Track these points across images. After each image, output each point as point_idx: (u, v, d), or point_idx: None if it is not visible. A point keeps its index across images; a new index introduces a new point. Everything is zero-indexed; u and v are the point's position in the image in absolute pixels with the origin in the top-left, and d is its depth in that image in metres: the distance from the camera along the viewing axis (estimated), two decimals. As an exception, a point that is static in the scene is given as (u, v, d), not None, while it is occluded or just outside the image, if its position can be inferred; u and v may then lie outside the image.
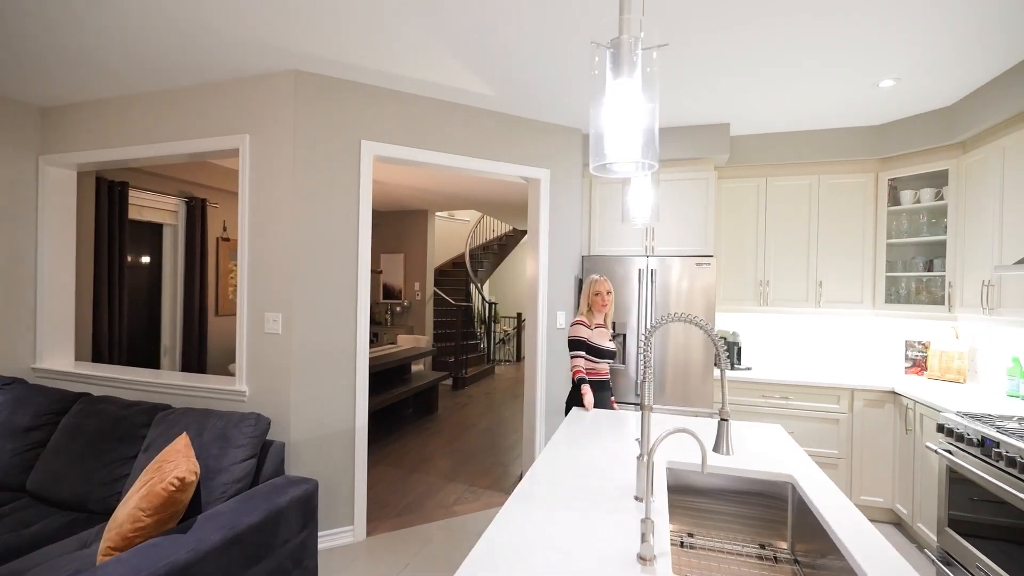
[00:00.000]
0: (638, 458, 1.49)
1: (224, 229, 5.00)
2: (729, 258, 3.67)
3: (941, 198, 3.17)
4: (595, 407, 2.53)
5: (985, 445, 2.14)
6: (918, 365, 3.48)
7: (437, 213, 7.72)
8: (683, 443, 1.90)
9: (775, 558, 1.59)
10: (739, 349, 3.72)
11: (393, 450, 4.42)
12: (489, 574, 1.05)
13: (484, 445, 4.61)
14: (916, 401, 2.87)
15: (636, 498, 1.43)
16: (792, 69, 2.58)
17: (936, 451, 2.44)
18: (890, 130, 3.31)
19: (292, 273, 2.69)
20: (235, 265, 5.15)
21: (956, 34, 2.24)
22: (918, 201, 3.28)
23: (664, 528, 1.25)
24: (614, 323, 3.27)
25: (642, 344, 1.32)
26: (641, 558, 1.12)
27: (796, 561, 1.56)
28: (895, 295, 3.39)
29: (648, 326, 3.36)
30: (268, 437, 2.52)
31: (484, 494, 3.51)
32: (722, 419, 1.34)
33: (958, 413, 2.42)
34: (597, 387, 2.68)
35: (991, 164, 2.73)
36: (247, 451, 2.14)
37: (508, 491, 3.55)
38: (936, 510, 2.49)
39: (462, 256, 8.78)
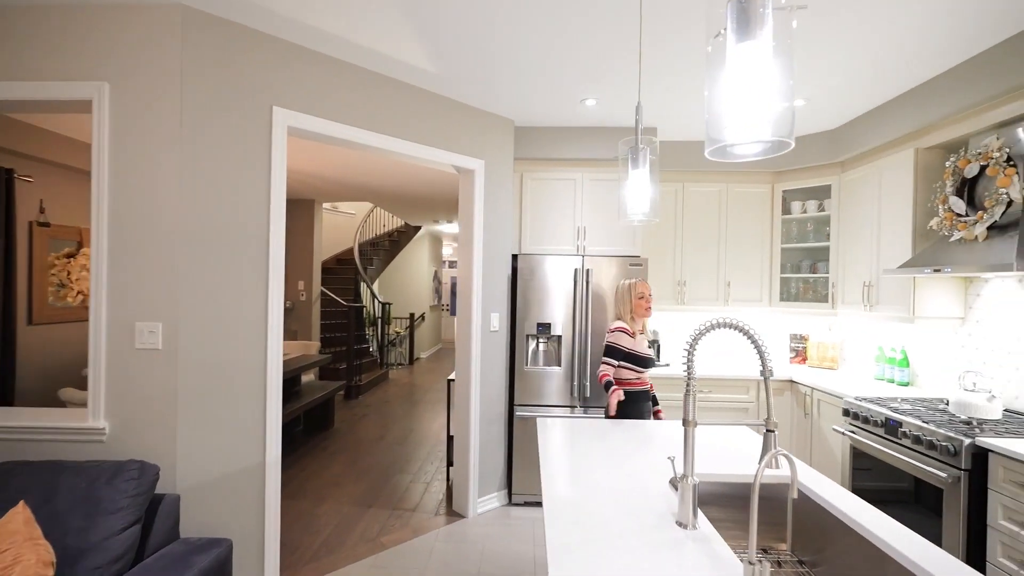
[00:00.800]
0: (673, 481, 1.35)
1: (42, 211, 3.82)
2: (653, 259, 3.79)
3: (823, 209, 3.64)
4: (636, 418, 2.39)
5: (889, 425, 2.45)
6: (800, 355, 3.97)
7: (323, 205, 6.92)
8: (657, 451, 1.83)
9: (779, 562, 1.58)
10: (658, 347, 3.88)
11: (291, 477, 3.78)
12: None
13: (396, 461, 4.19)
14: (813, 388, 3.23)
15: (679, 523, 1.28)
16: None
17: (843, 432, 2.75)
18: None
19: (179, 272, 2.07)
20: (59, 259, 3.97)
21: (850, 68, 2.53)
22: (805, 211, 3.73)
23: (729, 554, 1.13)
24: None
25: (685, 354, 1.18)
26: (733, 603, 0.98)
27: (800, 562, 1.57)
28: (787, 294, 3.82)
29: (584, 327, 3.32)
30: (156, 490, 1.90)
31: (412, 518, 3.14)
32: (768, 430, 1.26)
33: (857, 398, 2.76)
34: (640, 398, 2.51)
35: (869, 181, 3.18)
36: (129, 516, 1.57)
37: (438, 511, 3.23)
38: (840, 483, 2.81)
39: (350, 251, 8.02)
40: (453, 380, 3.39)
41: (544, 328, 3.32)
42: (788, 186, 3.73)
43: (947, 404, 2.58)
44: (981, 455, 2.04)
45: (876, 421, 2.55)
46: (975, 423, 2.24)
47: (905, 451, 2.34)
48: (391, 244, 9.04)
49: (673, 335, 4.06)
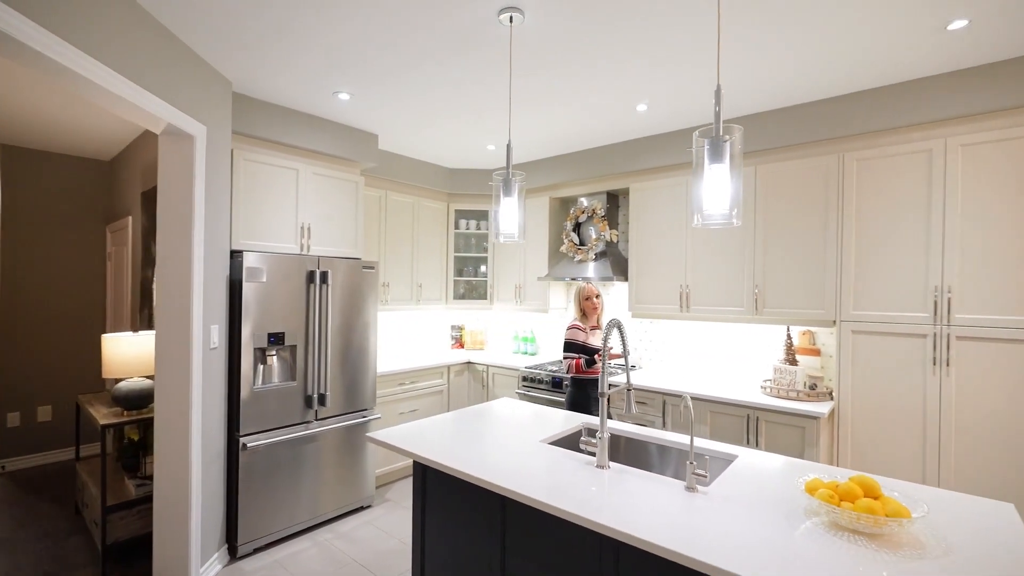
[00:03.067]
0: (583, 442, 1.82)
1: None
2: (391, 263, 3.97)
3: (480, 228, 4.75)
4: (584, 404, 2.81)
5: (555, 380, 3.68)
6: (458, 342, 5.00)
7: None
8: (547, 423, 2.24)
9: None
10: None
11: None
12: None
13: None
14: (488, 365, 4.26)
15: (599, 466, 1.75)
16: (428, 111, 3.27)
17: (524, 393, 3.85)
18: (456, 174, 4.59)
19: None
20: None
21: (518, 140, 3.66)
22: (469, 228, 4.74)
23: (637, 480, 1.72)
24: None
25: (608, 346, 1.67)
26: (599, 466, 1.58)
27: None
28: (458, 293, 4.73)
29: (323, 333, 3.08)
30: None
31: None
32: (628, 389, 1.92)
33: (527, 367, 3.93)
34: (588, 386, 2.89)
35: (517, 213, 4.47)
36: None
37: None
38: (518, 431, 3.90)
39: None
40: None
41: (277, 338, 2.88)
42: (459, 206, 4.65)
43: (571, 363, 4.08)
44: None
45: (544, 380, 3.75)
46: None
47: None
48: None
49: (391, 333, 4.26)
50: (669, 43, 2.22)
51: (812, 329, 3.11)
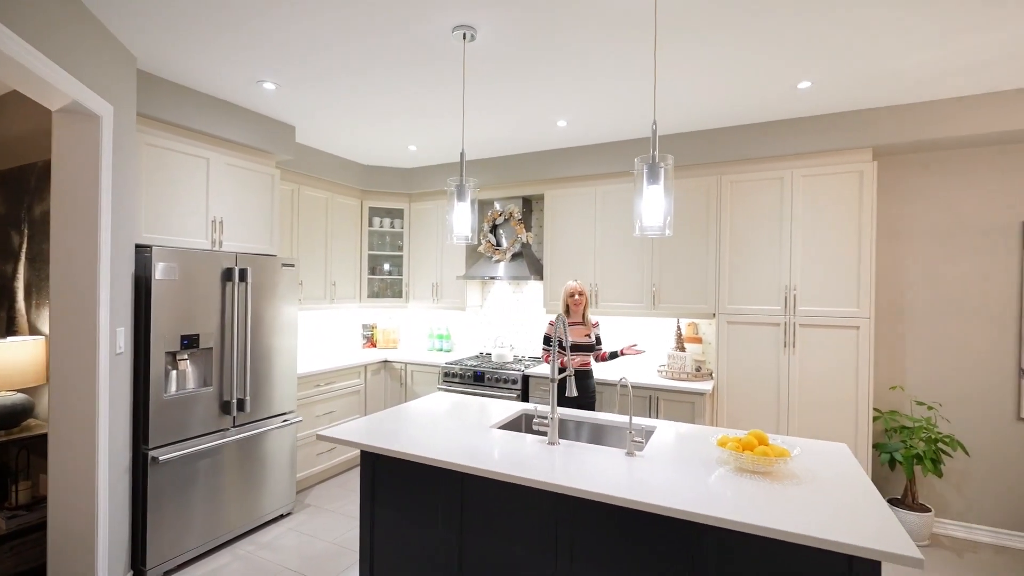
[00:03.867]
0: (534, 421, 2.03)
1: None
2: (305, 261, 3.84)
3: (395, 227, 4.75)
4: (579, 391, 3.00)
5: (476, 375, 3.87)
6: (370, 341, 4.93)
7: None
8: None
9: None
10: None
11: None
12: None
13: None
14: (406, 363, 4.30)
15: (550, 443, 1.98)
16: (365, 113, 3.31)
17: (446, 389, 3.97)
18: (372, 172, 4.54)
19: None
20: None
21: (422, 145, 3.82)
22: (382, 226, 4.71)
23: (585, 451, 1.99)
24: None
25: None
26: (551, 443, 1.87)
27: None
28: (372, 291, 4.67)
29: (242, 335, 2.90)
30: None
31: None
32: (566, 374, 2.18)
33: (447, 363, 4.05)
34: (576, 376, 3.02)
35: (435, 212, 4.56)
36: None
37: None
38: (439, 425, 4.02)
39: None
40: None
41: (190, 341, 2.66)
42: (373, 204, 4.60)
43: (490, 357, 4.30)
44: (525, 378, 3.74)
45: (466, 375, 3.92)
46: (517, 361, 3.98)
47: (489, 388, 3.81)
48: None
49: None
50: (592, 73, 2.54)
51: (696, 321, 3.70)
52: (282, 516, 3.20)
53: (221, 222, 3.01)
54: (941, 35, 2.15)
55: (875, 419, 3.10)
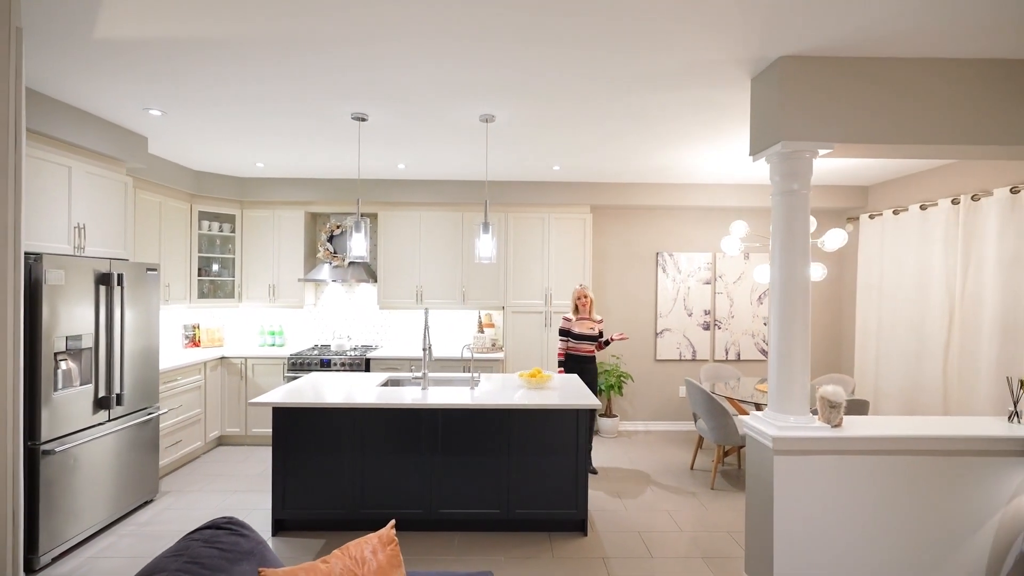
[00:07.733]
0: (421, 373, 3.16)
1: None
2: (170, 265, 3.92)
3: (225, 231, 5.00)
4: (581, 376, 3.79)
5: (322, 361, 4.64)
6: (193, 341, 5.05)
7: None
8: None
9: (387, 414, 3.60)
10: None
11: None
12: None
13: None
14: (246, 358, 4.72)
15: (423, 389, 3.13)
16: (265, 138, 3.88)
17: (294, 377, 4.60)
18: (202, 177, 4.74)
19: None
20: None
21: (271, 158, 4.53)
22: (212, 230, 4.91)
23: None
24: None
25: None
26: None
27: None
28: (202, 292, 4.83)
29: (118, 334, 3.13)
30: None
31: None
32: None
33: (292, 354, 4.68)
34: (583, 360, 3.95)
35: (270, 219, 5.02)
36: None
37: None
38: (285, 409, 4.62)
39: None
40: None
41: (72, 342, 2.87)
42: (203, 208, 4.79)
43: (329, 347, 5.04)
44: (367, 360, 4.69)
45: (312, 362, 4.64)
46: (355, 349, 4.86)
47: (336, 372, 4.62)
48: None
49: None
50: (437, 147, 3.77)
51: (491, 312, 5.28)
52: (149, 502, 3.47)
53: (84, 228, 3.15)
54: (627, 151, 4.11)
55: (592, 367, 5.18)
